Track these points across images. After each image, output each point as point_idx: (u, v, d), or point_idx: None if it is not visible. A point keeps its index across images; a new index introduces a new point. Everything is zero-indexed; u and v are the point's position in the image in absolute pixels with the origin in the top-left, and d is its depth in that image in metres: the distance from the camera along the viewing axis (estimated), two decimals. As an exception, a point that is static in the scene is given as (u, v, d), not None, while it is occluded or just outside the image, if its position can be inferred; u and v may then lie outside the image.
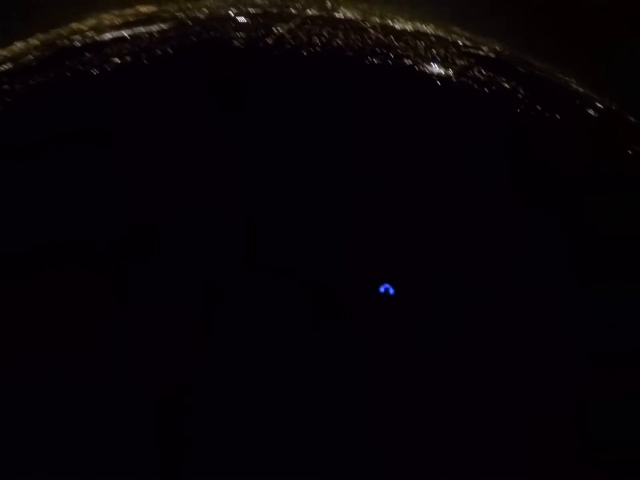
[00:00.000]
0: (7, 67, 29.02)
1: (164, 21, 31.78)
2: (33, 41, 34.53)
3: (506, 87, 35.28)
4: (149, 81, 20.99)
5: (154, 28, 29.95)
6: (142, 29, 29.96)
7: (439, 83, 22.05)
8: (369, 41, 27.97)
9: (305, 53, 23.17)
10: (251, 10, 32.36)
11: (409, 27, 32.93)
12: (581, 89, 47.57)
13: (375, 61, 24.61)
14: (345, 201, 15.41)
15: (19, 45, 35.74)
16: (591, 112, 44.40)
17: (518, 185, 18.38)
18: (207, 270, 11.98)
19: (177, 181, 13.96)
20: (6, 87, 22.91)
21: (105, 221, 13.03)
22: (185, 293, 11.37)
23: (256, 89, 18.47)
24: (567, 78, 46.66)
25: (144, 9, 35.16)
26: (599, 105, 45.42)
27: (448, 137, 18.91)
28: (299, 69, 20.44)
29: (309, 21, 29.08)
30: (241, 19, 29.20)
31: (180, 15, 34.70)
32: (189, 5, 36.26)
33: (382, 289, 13.25)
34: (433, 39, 31.63)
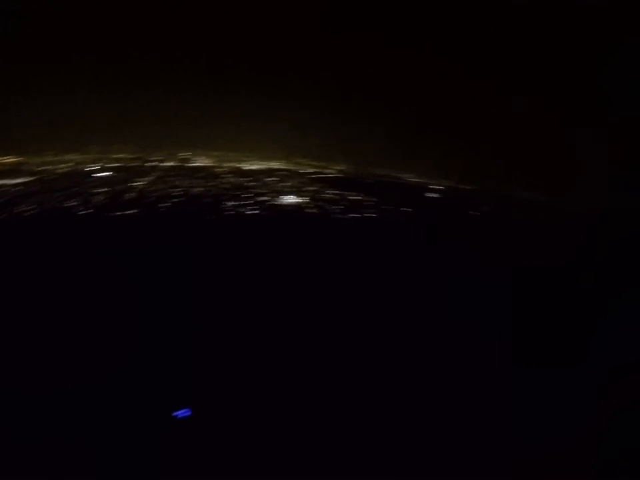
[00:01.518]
0: None
1: (27, 174, 31.85)
2: None
3: (356, 199, 42.49)
4: (7, 241, 20.38)
5: (16, 181, 29.76)
6: (3, 181, 29.42)
7: (294, 213, 25.56)
8: (226, 185, 31.40)
9: (168, 204, 24.82)
10: (112, 164, 34.11)
11: (261, 166, 38.09)
12: (419, 180, 60.98)
13: (233, 203, 27.41)
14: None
15: None
16: (430, 194, 57.29)
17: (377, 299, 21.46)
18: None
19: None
20: None
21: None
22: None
23: (118, 254, 19.13)
24: (405, 175, 59.92)
25: (6, 159, 34.91)
26: (435, 187, 58.96)
27: (307, 267, 21.58)
28: (158, 226, 21.90)
29: (166, 173, 31.55)
30: (103, 174, 30.51)
31: (42, 169, 34.85)
32: (52, 159, 37.09)
33: (180, 413, 14.71)
34: (284, 172, 37.09)
